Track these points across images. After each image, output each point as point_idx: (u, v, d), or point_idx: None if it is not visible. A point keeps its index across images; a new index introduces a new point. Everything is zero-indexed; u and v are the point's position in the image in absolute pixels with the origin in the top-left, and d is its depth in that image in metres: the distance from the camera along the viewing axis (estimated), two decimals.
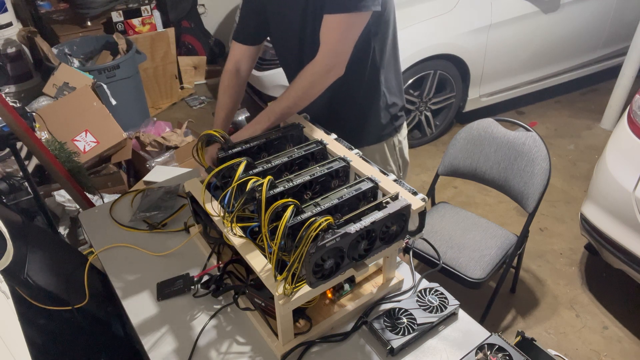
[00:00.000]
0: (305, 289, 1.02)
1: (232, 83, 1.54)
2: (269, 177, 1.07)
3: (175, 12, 4.10)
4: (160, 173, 2.64)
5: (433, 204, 2.25)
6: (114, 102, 3.16)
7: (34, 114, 2.64)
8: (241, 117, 3.61)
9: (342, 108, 1.54)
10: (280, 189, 1.10)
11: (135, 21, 3.77)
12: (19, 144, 2.12)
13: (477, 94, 3.50)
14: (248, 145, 1.29)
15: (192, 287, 1.28)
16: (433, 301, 1.20)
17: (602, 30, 3.66)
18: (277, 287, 1.01)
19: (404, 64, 3.02)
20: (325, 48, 1.30)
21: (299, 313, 1.14)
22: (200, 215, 1.35)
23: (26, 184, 2.14)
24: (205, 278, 1.29)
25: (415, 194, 1.15)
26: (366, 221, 1.00)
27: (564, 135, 3.52)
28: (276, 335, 1.12)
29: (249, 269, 1.24)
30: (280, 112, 1.36)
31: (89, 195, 2.36)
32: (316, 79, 1.33)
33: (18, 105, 3.20)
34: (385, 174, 1.21)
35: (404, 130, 1.65)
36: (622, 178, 1.99)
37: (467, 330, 1.17)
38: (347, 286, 1.23)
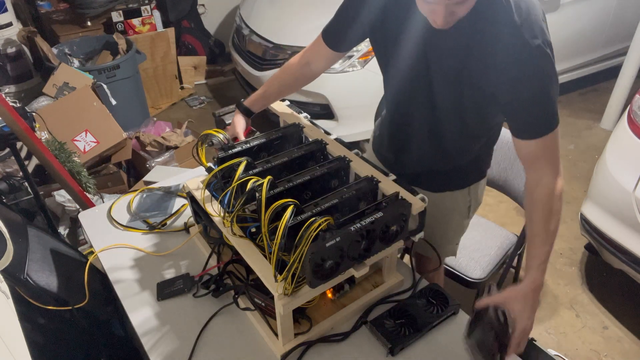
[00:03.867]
0: (305, 289, 1.02)
1: (292, 72, 1.42)
2: (269, 177, 1.07)
3: (175, 12, 4.10)
4: (160, 173, 2.64)
5: None
6: (114, 102, 3.15)
7: (34, 114, 2.63)
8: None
9: (442, 159, 1.38)
10: (280, 189, 1.10)
11: (135, 21, 3.76)
12: (19, 144, 2.12)
13: None
14: (248, 145, 1.29)
15: (192, 287, 1.28)
16: (433, 301, 1.20)
17: (602, 30, 3.66)
18: (277, 287, 1.01)
19: None
20: (553, 167, 1.17)
21: (299, 313, 1.14)
22: (200, 215, 1.35)
23: (26, 184, 2.13)
24: (205, 278, 1.29)
25: (415, 194, 1.15)
26: (366, 221, 1.00)
27: (564, 135, 3.52)
28: (276, 335, 1.12)
29: (249, 269, 1.24)
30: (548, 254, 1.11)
31: (89, 195, 2.36)
32: (557, 202, 1.13)
33: (18, 105, 3.19)
34: (385, 174, 1.21)
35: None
36: (622, 178, 1.99)
37: None
38: (347, 286, 1.23)
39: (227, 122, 1.54)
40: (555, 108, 1.11)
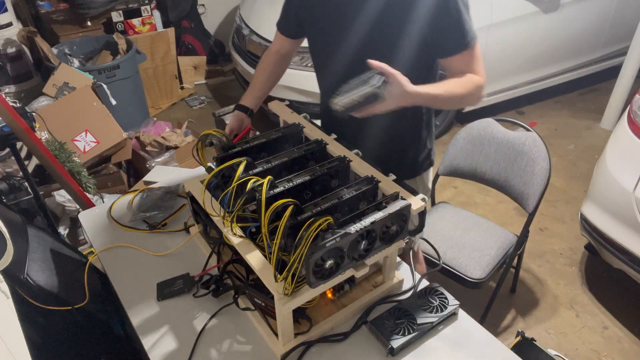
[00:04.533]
0: (305, 289, 1.02)
1: (272, 60, 1.61)
2: (269, 177, 1.07)
3: (175, 12, 4.10)
4: (160, 173, 2.64)
5: (433, 204, 2.25)
6: (114, 102, 3.16)
7: (34, 114, 2.63)
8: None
9: (389, 143, 1.50)
10: (280, 189, 1.10)
11: (135, 21, 3.77)
12: (19, 144, 2.12)
13: None
14: (248, 145, 1.29)
15: (192, 287, 1.28)
16: (433, 301, 1.20)
17: (602, 30, 3.66)
18: (277, 287, 1.01)
19: None
20: (479, 74, 1.29)
21: (299, 313, 1.14)
22: (200, 215, 1.35)
23: (26, 184, 2.14)
24: (205, 278, 1.29)
25: (415, 194, 1.15)
26: (366, 221, 1.00)
27: (564, 135, 3.52)
28: (276, 335, 1.12)
29: (249, 269, 1.24)
30: (430, 100, 1.26)
31: (89, 195, 2.36)
32: (475, 92, 1.28)
33: (18, 105, 3.19)
34: (385, 174, 1.21)
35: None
36: (622, 178, 1.99)
37: (467, 330, 1.17)
38: (347, 286, 1.23)
39: (227, 122, 1.54)
40: (469, 23, 1.25)
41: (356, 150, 1.30)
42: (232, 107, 1.58)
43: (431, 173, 1.65)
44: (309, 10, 1.42)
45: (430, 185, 1.68)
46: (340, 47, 1.37)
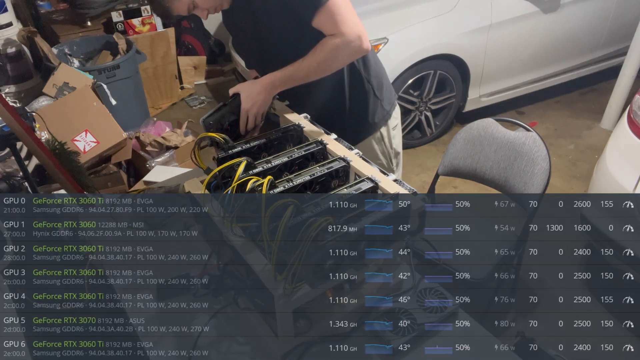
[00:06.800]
0: (305, 289, 1.02)
1: None
2: (269, 177, 1.07)
3: None
4: (160, 173, 2.64)
5: None
6: (114, 102, 3.15)
7: (34, 114, 2.64)
8: None
9: (327, 108, 1.56)
10: (280, 189, 1.10)
11: (135, 21, 3.77)
12: (19, 144, 2.12)
13: (477, 94, 3.49)
14: (248, 145, 1.29)
15: (192, 287, 1.28)
16: (433, 301, 1.20)
17: (602, 30, 3.66)
18: (277, 287, 1.01)
19: (404, 64, 3.02)
20: (342, 34, 1.33)
21: (299, 313, 1.14)
22: (200, 215, 1.35)
23: (26, 184, 2.13)
24: (205, 278, 1.29)
25: (415, 194, 1.15)
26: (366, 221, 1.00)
27: (564, 135, 3.52)
28: (276, 335, 1.12)
29: (249, 269, 1.24)
30: (285, 80, 1.39)
31: None
32: (334, 53, 1.34)
33: (18, 105, 3.20)
34: (385, 174, 1.21)
35: (394, 120, 1.66)
36: (622, 178, 1.99)
37: (467, 330, 1.17)
38: (347, 286, 1.23)
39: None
40: None
41: (356, 151, 1.30)
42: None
43: (397, 131, 1.68)
44: (237, 42, 1.68)
45: (399, 148, 1.71)
46: (256, 57, 1.59)
